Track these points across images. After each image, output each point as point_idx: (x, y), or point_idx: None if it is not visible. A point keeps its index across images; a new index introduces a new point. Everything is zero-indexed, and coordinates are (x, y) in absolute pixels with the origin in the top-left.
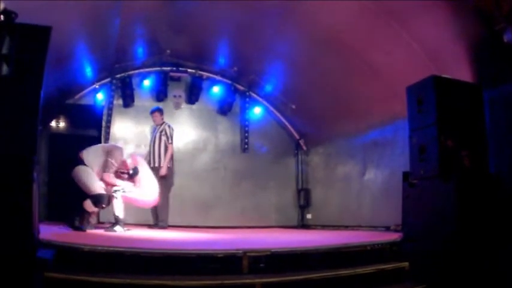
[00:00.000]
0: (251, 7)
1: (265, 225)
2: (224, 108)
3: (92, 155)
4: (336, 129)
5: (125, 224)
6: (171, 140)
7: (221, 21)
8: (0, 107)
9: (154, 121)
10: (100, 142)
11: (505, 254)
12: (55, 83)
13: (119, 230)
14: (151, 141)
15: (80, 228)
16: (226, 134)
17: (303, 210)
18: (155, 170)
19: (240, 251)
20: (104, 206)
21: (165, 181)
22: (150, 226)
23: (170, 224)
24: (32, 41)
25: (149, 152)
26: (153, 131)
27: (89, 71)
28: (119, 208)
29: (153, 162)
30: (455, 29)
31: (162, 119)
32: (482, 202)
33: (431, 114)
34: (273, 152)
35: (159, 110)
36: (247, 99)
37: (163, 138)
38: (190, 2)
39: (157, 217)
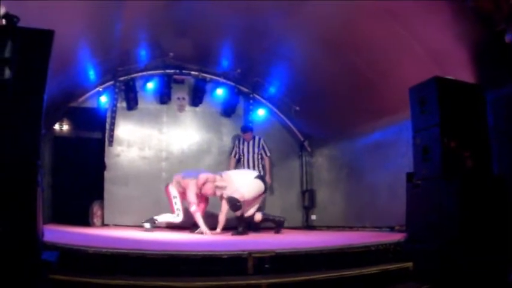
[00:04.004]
0: (254, 9)
1: (270, 227)
2: (228, 111)
3: None
4: (340, 130)
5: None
6: (269, 152)
7: (224, 23)
8: (3, 111)
9: (246, 138)
10: (104, 145)
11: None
12: (58, 86)
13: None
14: (245, 154)
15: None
16: (230, 136)
17: (307, 211)
18: None
19: (245, 252)
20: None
21: None
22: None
23: (178, 225)
24: (34, 45)
25: (246, 165)
26: (242, 143)
27: (92, 74)
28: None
29: None
30: (456, 31)
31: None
32: (485, 203)
33: (434, 115)
34: (277, 154)
35: (251, 130)
36: (251, 101)
37: (261, 151)
38: (193, 4)
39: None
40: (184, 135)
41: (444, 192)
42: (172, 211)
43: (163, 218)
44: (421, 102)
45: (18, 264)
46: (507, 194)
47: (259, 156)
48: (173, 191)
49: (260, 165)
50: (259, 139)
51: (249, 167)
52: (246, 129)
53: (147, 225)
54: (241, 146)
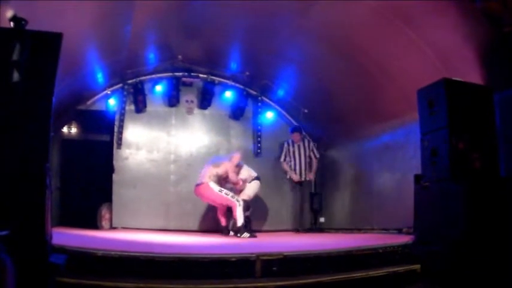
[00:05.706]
0: (263, 12)
1: (278, 229)
2: (236, 113)
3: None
4: (349, 133)
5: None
6: (318, 154)
7: (233, 25)
8: (12, 114)
9: (295, 139)
10: (112, 148)
11: None
12: (67, 89)
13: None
14: (296, 157)
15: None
16: (238, 138)
17: (316, 213)
18: (302, 182)
19: (253, 255)
20: None
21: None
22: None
23: (187, 228)
24: (43, 48)
25: (295, 167)
26: (292, 145)
27: (100, 77)
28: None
29: (300, 175)
30: (465, 33)
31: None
32: (493, 204)
33: (443, 117)
34: None
35: (301, 130)
36: (260, 103)
37: (311, 153)
38: (202, 6)
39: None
40: (192, 138)
41: (452, 194)
42: (226, 203)
43: (240, 218)
44: (430, 104)
45: (27, 267)
46: None
47: (309, 159)
48: (215, 186)
49: (308, 168)
50: (309, 141)
51: (300, 171)
52: (295, 128)
53: (246, 234)
54: (291, 149)
